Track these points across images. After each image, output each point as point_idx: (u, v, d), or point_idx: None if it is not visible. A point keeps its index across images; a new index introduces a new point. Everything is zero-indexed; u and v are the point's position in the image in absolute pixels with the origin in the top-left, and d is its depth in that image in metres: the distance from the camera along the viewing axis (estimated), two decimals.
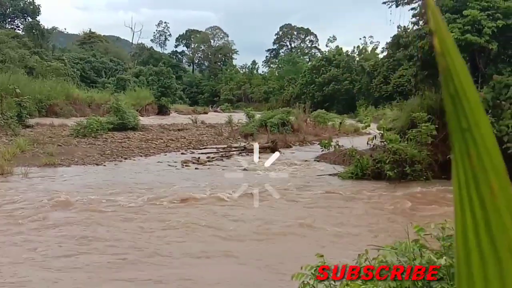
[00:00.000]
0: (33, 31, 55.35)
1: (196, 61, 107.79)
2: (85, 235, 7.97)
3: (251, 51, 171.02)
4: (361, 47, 73.13)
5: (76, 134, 21.00)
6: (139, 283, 6.16)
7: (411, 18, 18.96)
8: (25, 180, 12.52)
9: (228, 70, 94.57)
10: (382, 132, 14.59)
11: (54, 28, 65.81)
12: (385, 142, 14.44)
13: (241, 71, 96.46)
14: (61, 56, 55.32)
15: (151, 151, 19.16)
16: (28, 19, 62.45)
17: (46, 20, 77.77)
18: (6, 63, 38.82)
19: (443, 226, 3.55)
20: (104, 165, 15.48)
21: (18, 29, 61.88)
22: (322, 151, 16.82)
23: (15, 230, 8.13)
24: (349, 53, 70.77)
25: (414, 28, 18.82)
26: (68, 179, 12.90)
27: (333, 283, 3.41)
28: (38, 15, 63.68)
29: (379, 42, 74.27)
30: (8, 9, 63.15)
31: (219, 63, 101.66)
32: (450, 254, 3.29)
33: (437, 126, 14.14)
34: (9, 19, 64.74)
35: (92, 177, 13.36)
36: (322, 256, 3.59)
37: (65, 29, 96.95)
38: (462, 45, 14.55)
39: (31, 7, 63.48)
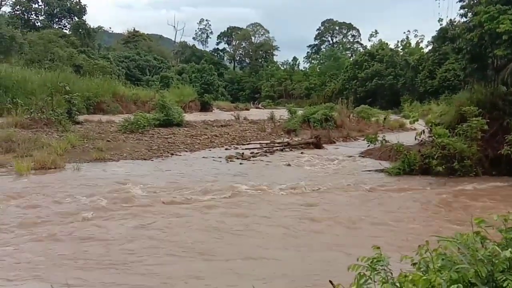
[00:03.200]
0: (80, 30, 57.02)
1: (237, 58, 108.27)
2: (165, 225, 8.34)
3: (292, 47, 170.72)
4: (405, 41, 71.60)
5: (123, 130, 21.52)
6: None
7: (459, 10, 18.44)
8: (77, 173, 12.95)
9: (269, 67, 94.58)
10: (430, 126, 14.30)
11: (99, 28, 67.62)
12: (433, 137, 14.15)
13: (282, 68, 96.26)
14: (106, 54, 56.80)
15: (196, 146, 19.43)
16: (75, 19, 64.37)
17: (91, 19, 79.94)
18: (55, 61, 40.17)
19: (506, 218, 3.47)
20: (152, 160, 15.81)
21: (65, 29, 63.91)
22: (368, 146, 16.62)
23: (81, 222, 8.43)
24: (392, 47, 69.50)
25: (462, 20, 18.32)
26: (119, 173, 13.21)
27: (390, 275, 3.39)
28: (84, 15, 65.63)
29: (423, 36, 72.46)
30: (56, 9, 65.24)
31: (260, 60, 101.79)
32: None
33: (487, 120, 13.77)
34: (57, 19, 66.89)
35: (143, 172, 13.68)
36: (378, 248, 3.56)
37: (110, 28, 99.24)
38: None
39: (78, 7, 65.40)
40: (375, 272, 3.35)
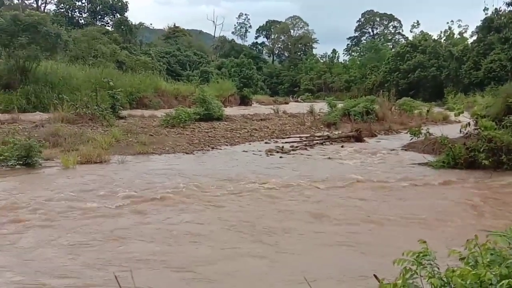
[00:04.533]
0: (122, 27, 58.11)
1: (276, 52, 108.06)
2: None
3: (331, 40, 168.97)
4: (448, 31, 69.75)
5: (165, 125, 21.85)
6: None
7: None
8: (122, 166, 13.28)
9: (308, 60, 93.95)
10: (476, 119, 13.90)
11: (141, 24, 68.65)
12: (479, 130, 13.76)
13: (321, 60, 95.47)
14: (148, 50, 57.79)
15: (236, 140, 19.55)
16: (117, 16, 65.67)
17: (133, 16, 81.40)
18: (99, 58, 41.15)
19: None
20: (193, 154, 16.03)
21: (108, 26, 65.27)
22: (411, 139, 16.28)
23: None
24: (435, 38, 67.82)
25: (509, 9, 17.69)
26: (163, 167, 13.43)
27: (437, 269, 3.33)
28: (126, 12, 66.81)
29: (467, 26, 70.59)
30: (98, 7, 66.75)
31: (299, 53, 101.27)
32: None
33: None
34: (99, 16, 68.45)
35: (187, 165, 13.94)
36: (425, 242, 3.51)
37: (151, 24, 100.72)
38: None
39: (119, 4, 66.68)
40: (421, 266, 3.31)
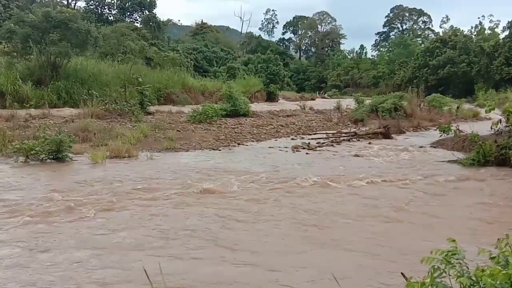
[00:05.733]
0: (150, 23, 58.64)
1: (303, 48, 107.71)
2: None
3: (359, 35, 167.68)
4: (479, 26, 68.29)
5: (192, 120, 21.97)
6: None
7: None
8: (151, 162, 13.44)
9: (336, 56, 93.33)
10: (507, 116, 13.59)
11: (169, 20, 69.15)
12: (510, 127, 13.46)
13: (348, 56, 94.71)
14: (175, 47, 58.14)
15: (262, 136, 19.57)
16: (145, 12, 66.30)
17: (161, 13, 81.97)
18: (127, 54, 41.62)
19: None
20: (219, 150, 16.08)
21: (137, 22, 65.97)
22: (440, 136, 16.05)
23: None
24: (465, 33, 66.51)
25: None
26: (191, 163, 13.51)
27: (466, 269, 3.29)
28: (155, 8, 67.46)
29: (499, 21, 68.91)
30: (127, 3, 67.51)
31: (326, 49, 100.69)
32: None
33: None
34: (128, 13, 69.21)
35: (215, 160, 14.08)
36: (454, 240, 3.46)
37: (179, 20, 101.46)
38: None
39: (148, 0, 67.30)
40: (450, 265, 3.27)
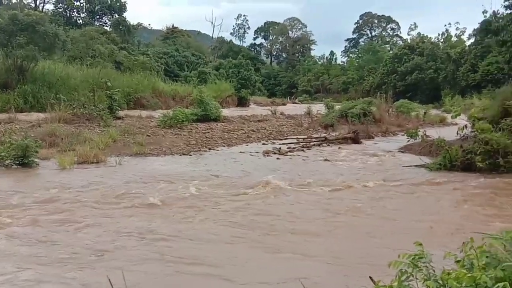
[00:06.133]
0: (120, 27, 58.00)
1: (274, 53, 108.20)
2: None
3: (329, 41, 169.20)
4: (445, 34, 69.97)
5: (163, 125, 21.81)
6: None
7: (504, 2, 17.86)
8: (119, 167, 13.24)
9: (306, 61, 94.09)
10: (473, 121, 13.93)
11: (139, 24, 68.57)
12: (476, 132, 13.79)
13: (319, 62, 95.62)
14: (146, 51, 57.65)
15: (233, 141, 19.54)
16: (115, 16, 65.53)
17: (131, 16, 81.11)
18: (97, 58, 41.07)
19: None
20: (190, 155, 15.99)
21: (106, 26, 65.09)
22: (408, 141, 16.34)
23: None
24: (433, 40, 68.03)
25: (507, 12, 17.74)
26: (160, 168, 13.39)
27: (433, 272, 3.33)
28: (124, 12, 66.62)
29: (465, 28, 70.79)
30: (97, 7, 66.61)
31: (297, 55, 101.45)
32: None
33: None
34: (98, 16, 68.24)
35: (182, 166, 13.89)
36: (420, 244, 3.51)
37: (149, 24, 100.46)
38: None
39: (118, 4, 66.52)
40: (417, 269, 3.30)
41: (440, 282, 2.98)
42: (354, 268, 6.27)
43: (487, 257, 3.26)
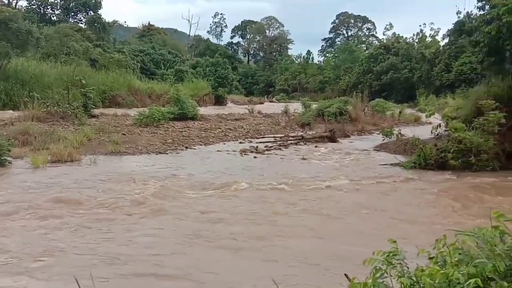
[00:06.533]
0: (95, 24, 57.24)
1: (252, 52, 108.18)
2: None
3: (306, 41, 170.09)
4: (420, 34, 70.93)
5: (138, 124, 21.62)
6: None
7: (477, 3, 18.17)
8: (94, 166, 13.05)
9: (283, 60, 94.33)
10: (446, 120, 14.16)
11: (115, 22, 67.75)
12: (449, 131, 14.02)
13: (296, 61, 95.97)
14: (121, 48, 57.03)
15: (210, 140, 19.47)
16: (90, 13, 64.61)
17: (107, 13, 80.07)
18: (71, 55, 40.46)
19: None
20: (167, 154, 15.88)
21: (81, 23, 64.13)
22: (383, 140, 16.53)
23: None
24: (408, 40, 68.93)
25: (480, 13, 18.06)
26: (135, 167, 13.26)
27: (407, 269, 3.36)
28: (100, 9, 65.73)
29: (439, 29, 71.91)
30: (72, 3, 65.58)
31: (274, 54, 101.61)
32: None
33: (504, 114, 13.59)
34: (72, 13, 67.18)
35: (157, 165, 13.75)
36: (395, 241, 3.53)
37: (125, 22, 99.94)
38: None
39: (93, 1, 65.61)
40: (391, 266, 3.33)
41: (414, 278, 3.01)
42: (327, 267, 6.28)
43: (460, 253, 3.30)
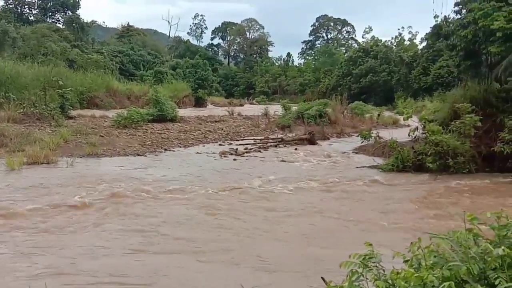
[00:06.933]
0: (73, 24, 56.70)
1: (232, 54, 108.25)
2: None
3: (286, 43, 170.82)
4: (399, 37, 71.75)
5: (117, 125, 21.40)
6: None
7: (454, 7, 18.46)
8: (70, 169, 12.85)
9: (264, 63, 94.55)
10: (424, 123, 14.32)
11: (93, 22, 67.13)
12: (427, 134, 14.18)
13: (276, 63, 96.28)
14: (100, 49, 56.52)
15: (189, 142, 19.36)
16: (68, 13, 63.97)
17: (85, 14, 79.34)
18: (48, 56, 39.92)
19: (499, 215, 3.47)
20: (145, 156, 15.73)
21: (59, 23, 63.52)
22: (362, 142, 16.65)
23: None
24: (387, 43, 69.64)
25: (457, 17, 18.34)
26: (112, 169, 13.10)
27: (383, 272, 3.38)
28: (78, 9, 65.23)
29: (418, 32, 72.94)
30: (49, 3, 64.81)
31: (254, 56, 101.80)
32: (506, 244, 3.24)
33: (480, 118, 13.81)
34: (50, 13, 66.50)
35: (136, 169, 13.59)
36: (371, 245, 3.55)
37: (103, 22, 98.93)
38: (508, 33, 14.09)
39: (71, 1, 64.94)
40: (367, 269, 3.34)
41: (390, 282, 3.02)
42: (302, 271, 6.26)
43: (435, 256, 3.32)
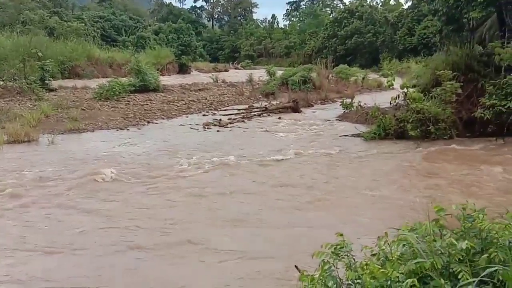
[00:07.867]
0: None
1: (216, 16, 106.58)
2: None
3: (271, 4, 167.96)
4: None
5: (98, 98, 21.04)
6: None
7: None
8: (52, 147, 12.75)
9: (248, 25, 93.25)
10: (405, 91, 14.35)
11: None
12: (408, 101, 14.23)
13: (261, 26, 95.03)
14: (80, 15, 55.21)
15: (173, 113, 19.21)
16: None
17: None
18: (27, 25, 38.95)
19: (464, 206, 3.54)
20: (128, 129, 15.59)
21: None
22: (344, 112, 16.67)
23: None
24: (372, 3, 68.91)
25: None
26: (95, 147, 12.89)
27: (353, 261, 3.46)
28: None
29: None
30: None
31: (239, 18, 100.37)
32: (471, 234, 3.32)
33: (462, 83, 13.86)
34: None
35: (117, 142, 13.53)
36: (341, 235, 3.61)
37: None
38: None
39: None
40: (338, 258, 3.42)
41: (359, 270, 3.11)
42: (278, 255, 6.14)
43: (403, 245, 3.39)
